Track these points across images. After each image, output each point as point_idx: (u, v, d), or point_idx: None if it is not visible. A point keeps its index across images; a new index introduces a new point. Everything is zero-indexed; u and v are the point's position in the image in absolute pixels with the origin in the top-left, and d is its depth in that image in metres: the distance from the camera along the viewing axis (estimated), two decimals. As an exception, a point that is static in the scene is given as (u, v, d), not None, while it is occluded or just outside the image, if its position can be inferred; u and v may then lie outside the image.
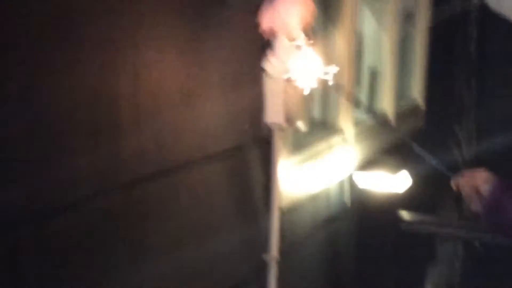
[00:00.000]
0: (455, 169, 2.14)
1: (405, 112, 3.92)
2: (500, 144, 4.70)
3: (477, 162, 4.85)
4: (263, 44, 1.98)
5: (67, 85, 1.30)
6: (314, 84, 1.91)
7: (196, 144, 1.77)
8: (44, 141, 1.25)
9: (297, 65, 1.90)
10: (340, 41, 2.81)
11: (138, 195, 1.55)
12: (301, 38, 1.93)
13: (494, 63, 4.91)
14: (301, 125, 2.26)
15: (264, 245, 2.11)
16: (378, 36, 3.50)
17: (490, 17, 4.78)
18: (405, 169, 3.09)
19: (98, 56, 1.37)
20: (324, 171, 2.66)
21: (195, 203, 1.80)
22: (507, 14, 4.70)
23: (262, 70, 2.01)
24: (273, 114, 2.07)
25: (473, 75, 4.88)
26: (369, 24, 3.45)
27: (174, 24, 1.62)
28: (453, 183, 1.98)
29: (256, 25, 1.95)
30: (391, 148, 3.43)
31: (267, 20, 1.94)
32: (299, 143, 2.49)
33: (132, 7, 1.46)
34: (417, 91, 4.21)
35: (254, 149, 2.09)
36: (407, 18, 3.99)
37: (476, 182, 1.92)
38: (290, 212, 2.36)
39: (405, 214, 3.31)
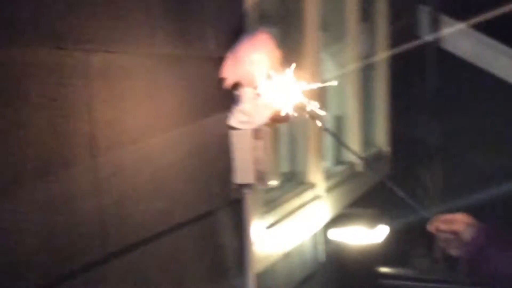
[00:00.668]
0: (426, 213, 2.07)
1: (371, 159, 3.85)
2: (466, 186, 4.68)
3: (444, 206, 4.81)
4: (228, 100, 1.86)
5: (8, 155, 1.12)
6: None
7: (163, 213, 1.61)
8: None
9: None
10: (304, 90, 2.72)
11: (98, 278, 1.37)
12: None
13: (455, 105, 4.93)
14: (272, 181, 2.13)
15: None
16: (341, 84, 3.44)
17: (448, 59, 4.85)
18: (379, 220, 3.00)
19: (46, 118, 1.21)
20: (297, 228, 2.52)
21: (164, 277, 1.62)
22: (462, 55, 4.77)
23: (229, 127, 1.88)
24: (243, 173, 1.93)
25: (435, 118, 4.87)
26: (331, 72, 3.38)
27: (133, 80, 1.47)
28: (430, 227, 1.90)
29: (221, 79, 1.83)
30: (363, 199, 3.35)
31: (232, 72, 1.81)
32: (271, 201, 2.36)
33: (87, 60, 1.31)
34: (381, 137, 4.16)
35: (225, 212, 1.93)
36: (367, 64, 3.95)
37: (457, 227, 1.85)
38: (265, 275, 2.22)
39: (382, 269, 3.20)
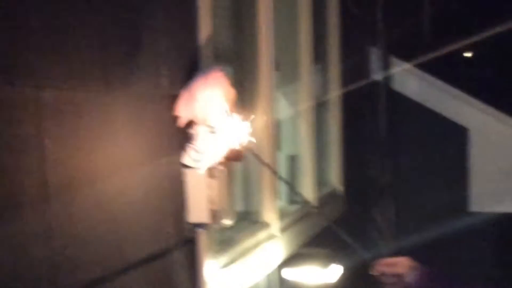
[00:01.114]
0: (376, 254, 2.09)
1: (325, 198, 3.86)
2: (417, 224, 4.74)
3: (397, 246, 4.86)
4: (182, 138, 1.84)
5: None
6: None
7: (114, 252, 1.57)
8: None
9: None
10: (258, 129, 2.72)
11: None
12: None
13: (405, 145, 5.01)
14: (226, 221, 2.11)
15: None
16: (295, 123, 3.46)
17: (398, 99, 4.94)
18: (333, 260, 2.99)
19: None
20: (252, 268, 2.49)
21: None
22: (411, 95, 4.87)
23: (183, 166, 1.86)
24: (197, 212, 1.91)
25: (386, 158, 4.93)
26: (285, 112, 3.40)
27: (85, 117, 1.44)
28: (375, 270, 1.94)
29: (175, 117, 1.81)
30: (318, 239, 3.34)
31: (186, 110, 1.80)
32: (225, 241, 2.33)
33: (38, 96, 1.28)
34: (335, 176, 4.18)
35: (178, 252, 1.90)
36: (319, 103, 4.00)
37: (400, 270, 1.89)
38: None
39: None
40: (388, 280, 1.93)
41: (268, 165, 2.03)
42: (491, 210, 4.78)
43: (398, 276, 1.90)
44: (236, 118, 1.80)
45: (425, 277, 1.87)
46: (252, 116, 1.84)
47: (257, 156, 1.94)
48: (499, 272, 4.69)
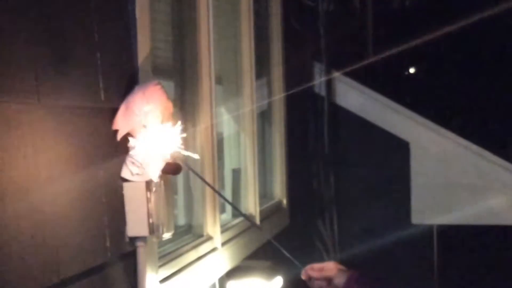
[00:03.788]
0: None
1: (269, 211, 3.89)
2: (361, 236, 4.81)
3: (341, 256, 4.92)
4: (120, 151, 1.84)
5: None
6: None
7: (49, 267, 1.55)
8: None
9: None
10: (200, 143, 2.74)
11: None
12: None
13: (348, 158, 5.09)
14: (167, 235, 2.11)
15: None
16: (238, 137, 3.48)
17: (341, 114, 5.03)
18: (275, 272, 3.01)
19: None
20: (194, 282, 2.49)
21: None
22: (354, 110, 4.96)
23: (122, 179, 1.86)
24: (136, 226, 1.91)
25: (329, 171, 5.00)
26: (228, 126, 3.42)
27: (18, 130, 1.43)
28: (303, 276, 1.98)
29: (113, 131, 1.81)
30: (261, 252, 3.36)
31: (124, 124, 1.80)
32: (166, 255, 2.32)
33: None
34: (279, 190, 4.21)
35: (118, 267, 1.89)
36: (263, 117, 4.04)
37: (328, 274, 1.94)
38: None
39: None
40: (317, 285, 1.97)
41: (203, 179, 2.05)
42: (432, 222, 4.89)
43: (327, 280, 1.94)
44: (172, 131, 1.81)
45: (353, 280, 1.92)
46: (182, 126, 1.84)
47: (193, 171, 1.95)
48: (438, 283, 4.80)
